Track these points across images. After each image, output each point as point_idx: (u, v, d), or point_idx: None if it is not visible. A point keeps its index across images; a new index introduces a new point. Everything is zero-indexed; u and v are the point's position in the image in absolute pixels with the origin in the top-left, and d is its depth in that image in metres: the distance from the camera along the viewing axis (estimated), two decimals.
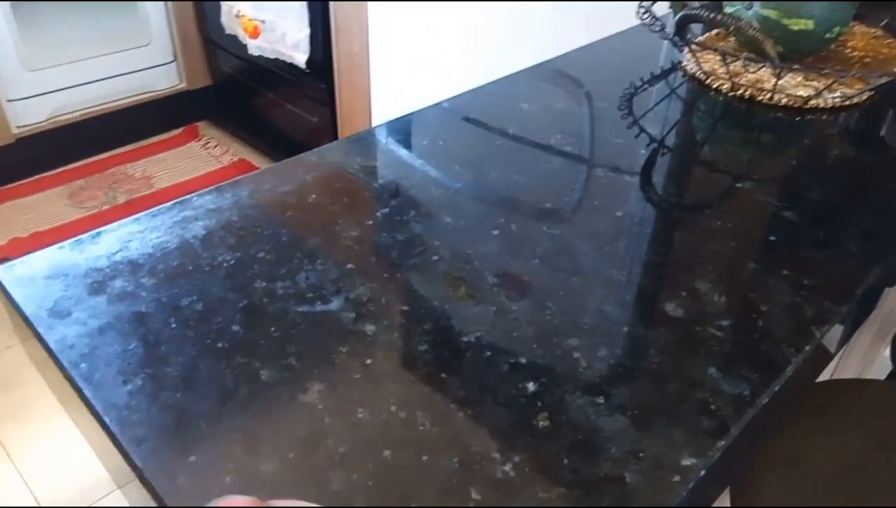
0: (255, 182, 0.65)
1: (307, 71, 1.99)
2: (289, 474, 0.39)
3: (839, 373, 1.06)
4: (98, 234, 0.56)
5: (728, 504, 0.63)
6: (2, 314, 1.79)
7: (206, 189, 0.63)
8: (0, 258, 1.88)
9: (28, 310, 0.49)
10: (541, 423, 0.43)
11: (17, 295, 0.50)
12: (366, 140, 0.75)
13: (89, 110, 2.30)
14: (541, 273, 0.55)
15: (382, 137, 0.75)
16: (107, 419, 0.41)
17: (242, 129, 2.46)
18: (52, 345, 0.46)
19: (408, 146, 0.73)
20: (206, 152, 2.41)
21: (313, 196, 0.64)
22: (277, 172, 0.67)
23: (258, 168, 2.23)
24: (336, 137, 2.08)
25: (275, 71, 2.12)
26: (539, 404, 0.44)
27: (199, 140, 2.47)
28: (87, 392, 0.43)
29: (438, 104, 0.81)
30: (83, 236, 0.56)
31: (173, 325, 0.48)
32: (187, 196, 0.62)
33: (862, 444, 0.65)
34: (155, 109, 2.45)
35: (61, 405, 0.51)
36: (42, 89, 2.21)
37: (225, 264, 0.54)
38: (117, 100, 2.36)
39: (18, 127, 2.20)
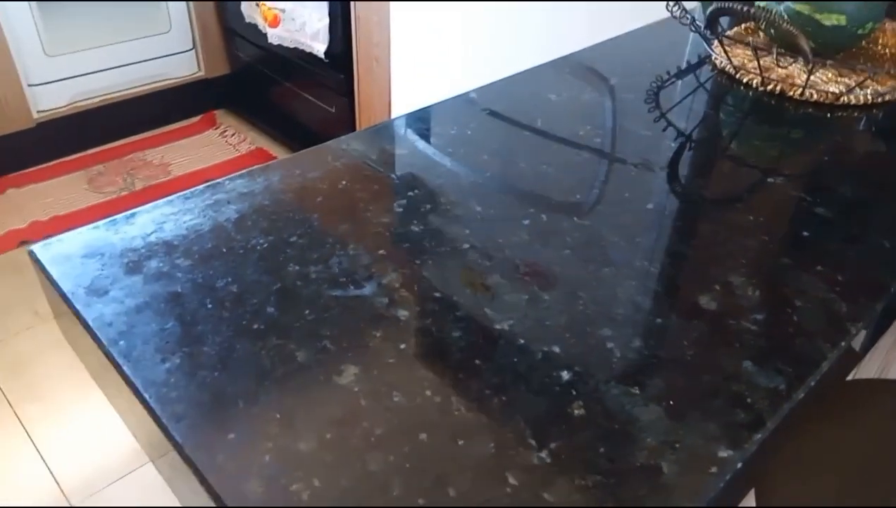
0: (284, 168, 0.65)
1: (326, 61, 1.99)
2: (326, 454, 0.39)
3: (860, 374, 1.05)
4: (132, 215, 0.57)
5: (752, 504, 0.63)
6: (21, 296, 1.81)
7: (237, 173, 0.63)
8: (20, 241, 1.90)
9: (65, 288, 0.49)
10: (576, 411, 0.43)
11: (55, 273, 0.50)
12: (393, 129, 0.75)
13: (109, 97, 2.32)
14: (572, 263, 0.55)
15: (410, 126, 0.75)
16: (146, 396, 0.41)
17: (260, 118, 2.47)
18: (90, 322, 0.46)
19: (435, 135, 0.73)
20: (224, 141, 2.42)
21: (343, 183, 0.64)
22: (306, 159, 0.67)
23: (275, 157, 2.23)
24: (354, 128, 2.08)
25: (294, 60, 2.12)
26: (573, 392, 0.44)
27: (216, 128, 2.48)
28: (126, 369, 0.43)
29: (465, 94, 0.80)
30: (118, 217, 0.56)
31: (209, 306, 0.48)
32: (219, 180, 0.62)
33: (891, 443, 0.65)
34: (173, 97, 2.47)
35: (94, 382, 0.51)
36: (62, 75, 2.22)
37: (258, 248, 0.54)
38: (136, 87, 2.37)
39: (39, 112, 2.21)
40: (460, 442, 0.40)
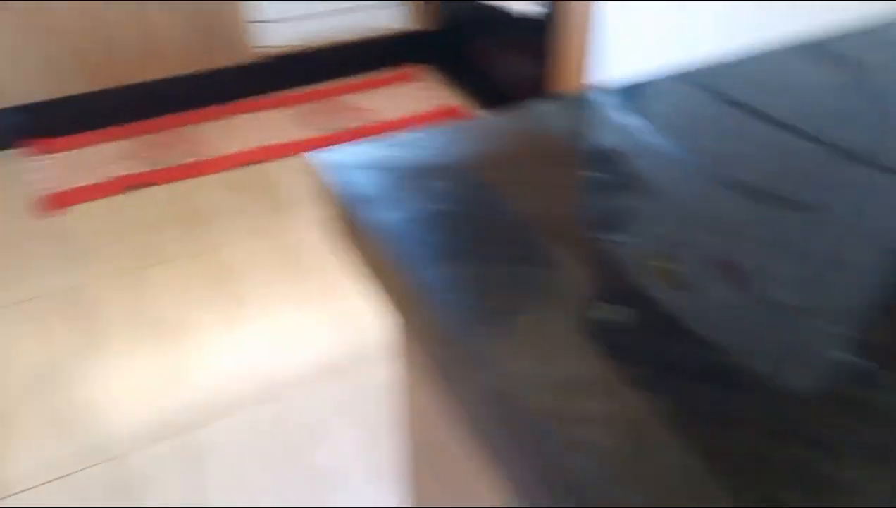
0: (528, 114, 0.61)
1: (541, 21, 1.94)
2: None
3: None
4: (417, 137, 0.56)
5: None
6: (245, 208, 1.91)
7: (511, 111, 0.60)
8: (230, 164, 2.06)
9: (350, 193, 0.49)
10: None
11: (339, 178, 0.51)
12: (634, 92, 0.68)
13: (321, 40, 2.44)
14: (794, 262, 0.44)
15: (644, 95, 0.67)
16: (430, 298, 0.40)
17: (459, 76, 2.48)
18: (372, 226, 0.46)
19: (669, 105, 0.65)
20: (423, 95, 2.46)
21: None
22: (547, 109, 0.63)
23: (470, 116, 2.24)
24: (553, 96, 2.02)
25: (503, 21, 2.10)
26: None
27: (417, 82, 2.53)
28: (409, 273, 0.42)
29: (698, 68, 0.71)
30: (403, 137, 0.56)
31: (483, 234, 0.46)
32: (494, 118, 0.59)
33: None
34: (380, 47, 2.54)
35: (371, 285, 0.51)
36: (282, 16, 2.36)
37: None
38: (348, 33, 2.47)
39: (256, 48, 2.37)
40: None
